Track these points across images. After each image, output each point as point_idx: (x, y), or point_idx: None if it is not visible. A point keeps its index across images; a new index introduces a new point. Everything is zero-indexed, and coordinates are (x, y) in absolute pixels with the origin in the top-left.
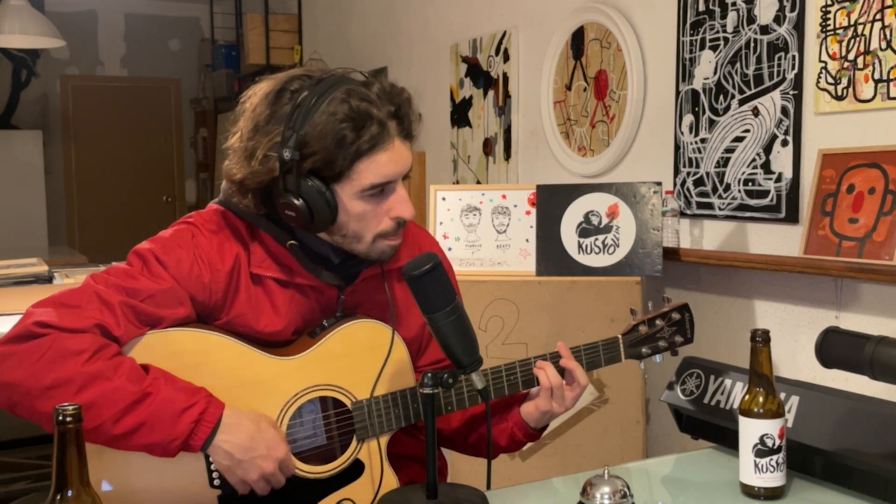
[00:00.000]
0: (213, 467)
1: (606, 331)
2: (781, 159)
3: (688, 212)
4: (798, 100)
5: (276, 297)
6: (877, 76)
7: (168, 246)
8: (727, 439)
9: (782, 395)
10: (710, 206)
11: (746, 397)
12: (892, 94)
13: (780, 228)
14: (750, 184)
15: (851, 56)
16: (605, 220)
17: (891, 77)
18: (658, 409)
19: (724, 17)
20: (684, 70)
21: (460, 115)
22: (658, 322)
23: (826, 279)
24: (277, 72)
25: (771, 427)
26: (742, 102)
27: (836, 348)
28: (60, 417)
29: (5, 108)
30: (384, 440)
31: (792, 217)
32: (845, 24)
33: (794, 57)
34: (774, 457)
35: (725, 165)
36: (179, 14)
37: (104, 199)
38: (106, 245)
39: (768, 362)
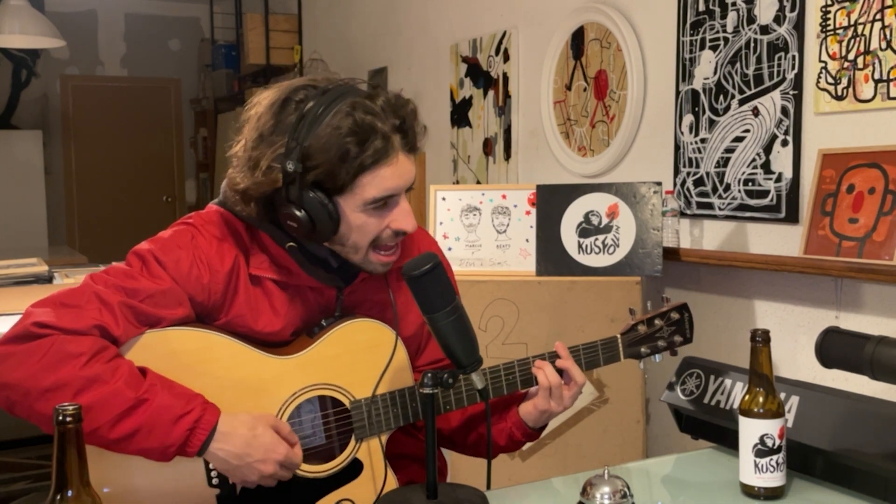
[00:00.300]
0: (211, 466)
1: (606, 331)
2: (781, 159)
3: (688, 212)
4: (798, 100)
5: (275, 297)
6: (877, 76)
7: (167, 247)
8: (727, 439)
9: (782, 395)
10: (710, 206)
11: (746, 397)
12: (892, 94)
13: (780, 228)
14: (750, 184)
15: (851, 56)
16: (605, 220)
17: (891, 77)
18: (658, 409)
19: (724, 17)
20: (684, 70)
21: (460, 115)
22: (657, 322)
23: (826, 279)
24: (278, 72)
25: (771, 427)
26: (742, 102)
27: (836, 348)
28: (60, 417)
29: (5, 108)
30: (383, 439)
31: (792, 217)
32: (845, 24)
33: (794, 57)
34: (774, 457)
35: (725, 165)
36: (179, 14)
37: (104, 199)
38: (106, 245)
39: (768, 362)
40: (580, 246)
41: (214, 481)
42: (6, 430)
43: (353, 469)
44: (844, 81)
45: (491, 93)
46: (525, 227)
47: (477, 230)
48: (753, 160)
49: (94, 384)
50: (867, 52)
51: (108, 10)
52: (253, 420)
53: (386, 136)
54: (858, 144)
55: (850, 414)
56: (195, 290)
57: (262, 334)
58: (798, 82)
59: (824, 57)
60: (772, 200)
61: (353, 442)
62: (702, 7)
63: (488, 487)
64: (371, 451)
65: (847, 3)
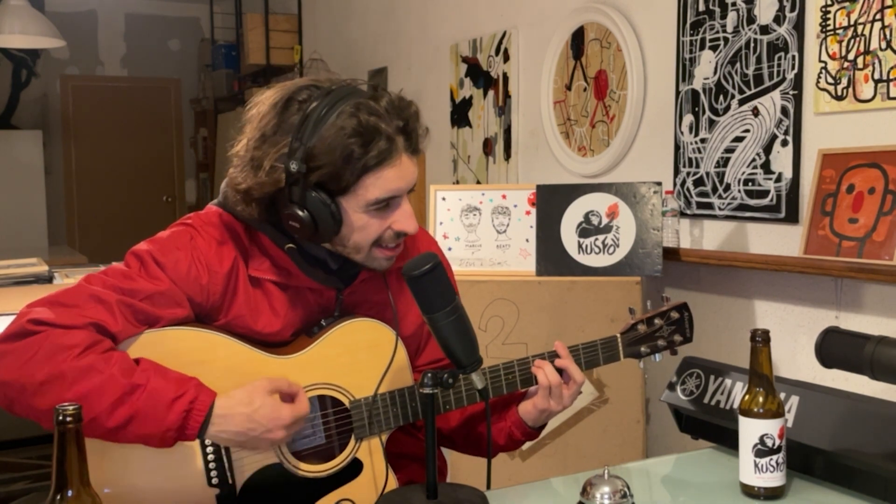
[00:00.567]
0: (210, 466)
1: (606, 331)
2: (781, 159)
3: (688, 212)
4: (798, 100)
5: (275, 298)
6: (877, 76)
7: (166, 247)
8: (727, 439)
9: (782, 395)
10: (710, 206)
11: (746, 397)
12: (892, 94)
13: (780, 228)
14: (750, 184)
15: (851, 56)
16: (605, 220)
17: (891, 77)
18: (658, 409)
19: (724, 17)
20: (684, 70)
21: (460, 115)
22: (657, 321)
23: (826, 279)
24: (278, 72)
25: (771, 427)
26: (742, 102)
27: (836, 348)
28: (60, 417)
29: (5, 108)
30: (383, 439)
31: (792, 217)
32: (845, 24)
33: (794, 57)
34: (774, 457)
35: (725, 165)
36: (179, 14)
37: (104, 199)
38: (106, 245)
39: (768, 362)
40: (580, 246)
41: (214, 481)
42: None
43: (353, 469)
44: (844, 81)
45: (491, 93)
46: (525, 227)
47: (477, 230)
48: (753, 160)
49: (89, 373)
50: (867, 52)
51: (108, 10)
52: (248, 394)
53: (390, 137)
54: (858, 144)
55: (850, 414)
56: (194, 291)
57: (261, 335)
58: (798, 82)
59: (824, 57)
60: (772, 200)
61: (352, 442)
62: (702, 7)
63: (488, 487)
64: (371, 450)
65: (847, 3)
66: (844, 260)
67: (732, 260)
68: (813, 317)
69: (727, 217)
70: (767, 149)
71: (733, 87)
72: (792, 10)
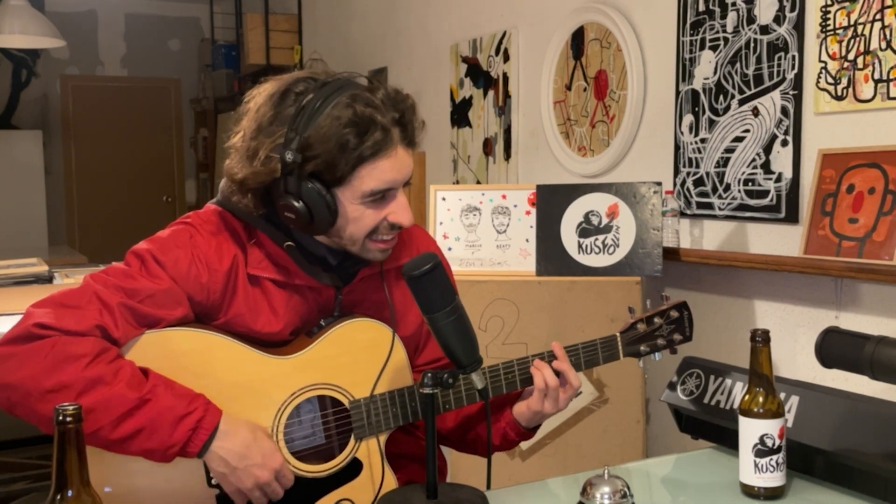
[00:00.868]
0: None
1: (606, 331)
2: (781, 159)
3: (688, 212)
4: (798, 100)
5: (274, 297)
6: (877, 76)
7: (166, 246)
8: (727, 439)
9: (782, 395)
10: (710, 206)
11: (746, 397)
12: (892, 94)
13: (780, 228)
14: (750, 184)
15: (851, 56)
16: (605, 220)
17: (891, 77)
18: (658, 409)
19: (724, 17)
20: (684, 70)
21: (460, 115)
22: (656, 320)
23: (826, 279)
24: (278, 72)
25: (771, 427)
26: (742, 102)
27: (836, 348)
28: (61, 417)
29: (5, 108)
30: (382, 439)
31: (792, 217)
32: (845, 24)
33: (794, 57)
34: (774, 457)
35: (725, 165)
36: (179, 14)
37: (104, 199)
38: (106, 245)
39: (768, 362)
40: (580, 246)
41: (214, 481)
42: (6, 430)
43: (353, 469)
44: (844, 81)
45: (491, 93)
46: (525, 227)
47: (477, 230)
48: (753, 160)
49: (97, 385)
50: (867, 52)
51: (108, 10)
52: (254, 425)
53: (385, 128)
54: (858, 144)
55: (850, 414)
56: (194, 290)
57: (261, 334)
58: (798, 82)
59: (824, 57)
60: (772, 200)
61: (352, 442)
62: (702, 7)
63: (488, 487)
64: (370, 450)
65: (847, 3)
66: (844, 260)
67: (732, 260)
68: (813, 317)
69: (727, 217)
70: (767, 149)
71: (733, 87)
72: (792, 10)
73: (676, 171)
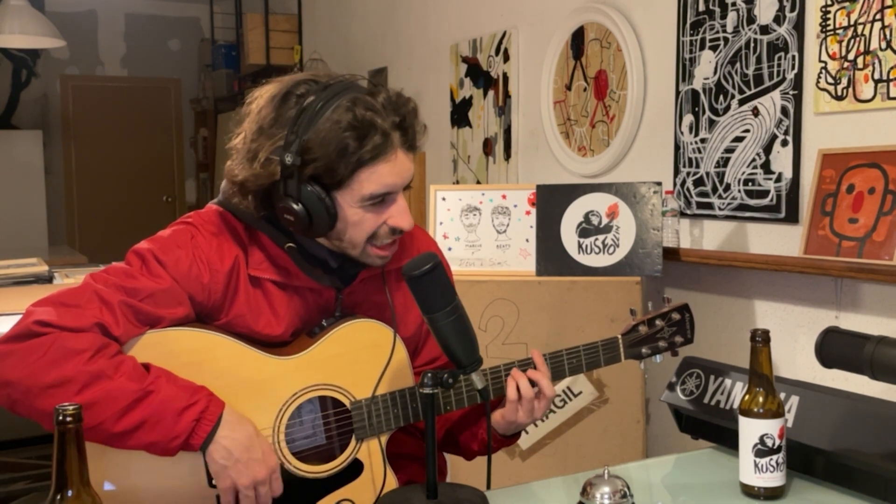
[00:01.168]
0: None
1: (606, 331)
2: (781, 159)
3: (688, 212)
4: (798, 100)
5: (275, 298)
6: (877, 76)
7: (167, 246)
8: (727, 439)
9: (782, 395)
10: (710, 206)
11: (746, 397)
12: (892, 94)
13: (780, 228)
14: (750, 184)
15: (851, 56)
16: (605, 220)
17: (891, 77)
18: (658, 409)
19: (724, 17)
20: (684, 70)
21: (460, 115)
22: (658, 322)
23: (826, 279)
24: (278, 72)
25: (771, 427)
26: (742, 102)
27: (836, 348)
28: (60, 417)
29: (5, 108)
30: (383, 440)
31: (792, 217)
32: (845, 24)
33: (793, 57)
34: (774, 457)
35: (725, 165)
36: (179, 14)
37: (104, 199)
38: (106, 245)
39: (768, 362)
40: (580, 246)
41: (215, 481)
42: (6, 430)
43: (354, 469)
44: (844, 81)
45: (491, 93)
46: (525, 227)
47: (477, 230)
48: (753, 160)
49: (99, 379)
50: (867, 52)
51: (108, 10)
52: (254, 427)
53: (385, 132)
54: (858, 144)
55: (850, 414)
56: (195, 290)
57: (262, 335)
58: (798, 82)
59: (824, 57)
60: (772, 200)
61: (353, 442)
62: (702, 7)
63: (488, 487)
64: (371, 451)
65: (847, 3)
66: (844, 260)
67: (732, 260)
68: (813, 317)
69: (727, 217)
70: (767, 149)
71: (733, 87)
72: (792, 10)
73: (676, 171)
